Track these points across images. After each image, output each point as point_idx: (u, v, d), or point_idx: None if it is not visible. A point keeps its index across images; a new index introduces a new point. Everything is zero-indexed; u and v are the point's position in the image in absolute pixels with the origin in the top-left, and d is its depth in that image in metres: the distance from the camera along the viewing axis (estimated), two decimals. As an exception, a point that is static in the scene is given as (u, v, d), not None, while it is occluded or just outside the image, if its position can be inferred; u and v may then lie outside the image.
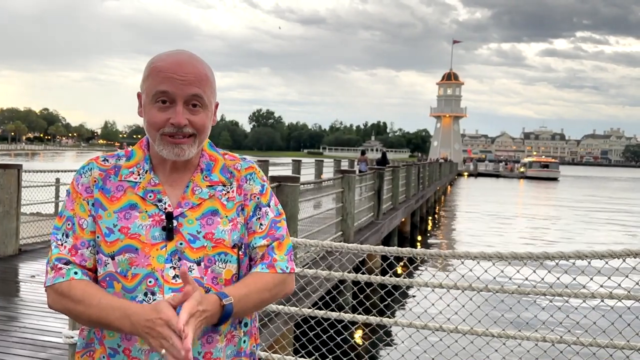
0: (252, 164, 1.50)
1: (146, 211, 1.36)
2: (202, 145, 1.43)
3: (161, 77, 1.34)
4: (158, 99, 1.35)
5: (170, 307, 1.22)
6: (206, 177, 1.43)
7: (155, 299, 1.31)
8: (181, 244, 1.35)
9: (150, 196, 1.38)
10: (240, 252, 1.41)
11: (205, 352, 1.34)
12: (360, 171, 16.14)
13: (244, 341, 1.43)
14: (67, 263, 1.36)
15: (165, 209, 1.36)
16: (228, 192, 1.43)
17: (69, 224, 1.39)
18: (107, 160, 1.43)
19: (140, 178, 1.40)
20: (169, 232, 1.34)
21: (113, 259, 1.34)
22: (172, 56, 1.38)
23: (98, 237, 1.36)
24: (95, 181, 1.40)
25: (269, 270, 1.41)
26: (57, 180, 10.83)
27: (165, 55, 1.39)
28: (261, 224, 1.44)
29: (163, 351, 1.22)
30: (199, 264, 1.35)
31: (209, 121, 1.40)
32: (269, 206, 1.47)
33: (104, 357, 1.36)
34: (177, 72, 1.34)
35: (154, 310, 1.23)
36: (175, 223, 1.35)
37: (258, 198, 1.45)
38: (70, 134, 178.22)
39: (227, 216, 1.40)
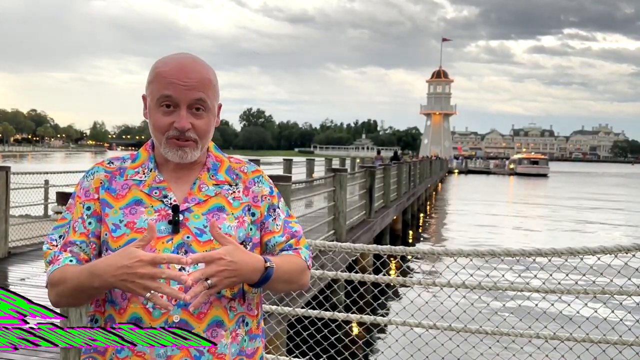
0: (259, 168, 1.55)
1: (152, 206, 1.39)
2: (205, 147, 1.46)
3: (165, 82, 1.37)
4: (162, 103, 1.38)
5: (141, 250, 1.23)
6: (212, 176, 1.46)
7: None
8: (188, 237, 1.36)
9: (155, 192, 1.41)
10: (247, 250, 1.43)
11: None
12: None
13: (245, 340, 1.43)
14: (62, 252, 1.39)
15: (171, 203, 1.39)
16: (234, 192, 1.46)
17: (66, 228, 1.42)
18: (113, 163, 1.47)
19: (145, 177, 1.43)
20: (175, 225, 1.36)
21: None
22: (175, 60, 1.41)
23: (106, 234, 1.39)
24: (101, 183, 1.43)
25: (294, 254, 1.48)
26: (46, 182, 10.75)
27: (169, 59, 1.41)
28: (277, 224, 1.50)
29: (148, 294, 1.20)
30: None
31: (211, 124, 1.44)
32: (279, 207, 1.52)
33: (113, 354, 1.34)
34: (180, 77, 1.37)
35: (127, 255, 1.22)
36: (181, 217, 1.38)
37: (269, 199, 1.50)
38: (58, 135, 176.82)
39: (233, 213, 1.43)
